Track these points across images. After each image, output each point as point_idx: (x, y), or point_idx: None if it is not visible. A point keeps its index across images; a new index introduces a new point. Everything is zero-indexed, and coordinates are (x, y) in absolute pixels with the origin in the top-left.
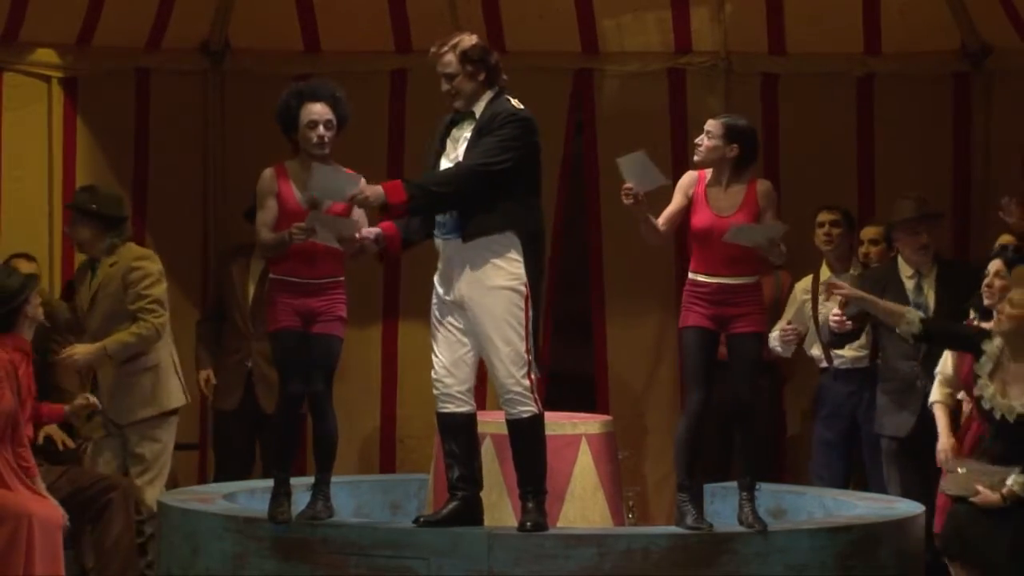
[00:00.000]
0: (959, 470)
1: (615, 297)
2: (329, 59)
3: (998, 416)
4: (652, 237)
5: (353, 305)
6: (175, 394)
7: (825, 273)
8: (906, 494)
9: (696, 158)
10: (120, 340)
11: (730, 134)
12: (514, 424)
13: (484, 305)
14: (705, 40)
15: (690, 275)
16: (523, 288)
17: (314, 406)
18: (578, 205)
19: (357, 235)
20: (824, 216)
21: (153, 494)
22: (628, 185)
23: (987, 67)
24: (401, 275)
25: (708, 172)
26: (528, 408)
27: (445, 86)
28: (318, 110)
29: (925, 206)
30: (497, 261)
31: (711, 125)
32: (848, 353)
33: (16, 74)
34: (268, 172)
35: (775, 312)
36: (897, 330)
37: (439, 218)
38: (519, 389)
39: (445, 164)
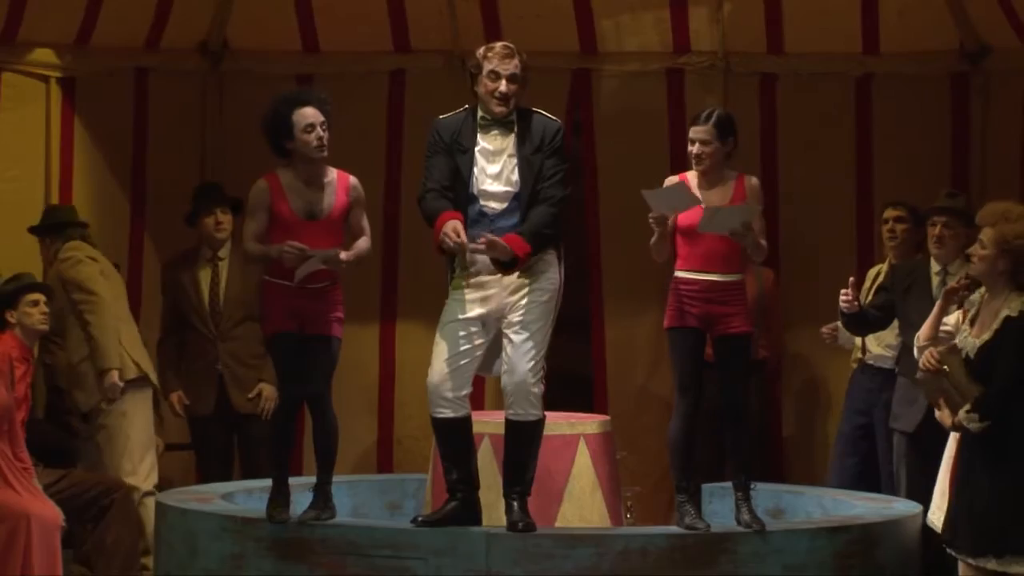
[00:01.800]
0: (943, 367)
1: (613, 297)
2: (328, 59)
3: (963, 356)
4: (664, 252)
5: (351, 305)
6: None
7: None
8: (911, 493)
9: (701, 167)
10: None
11: (723, 131)
12: (519, 425)
13: (531, 312)
14: (703, 40)
15: (677, 274)
16: (555, 292)
17: (314, 407)
18: (576, 205)
19: (342, 255)
20: (889, 212)
21: (125, 468)
22: (662, 214)
23: (985, 67)
24: (399, 275)
25: (691, 173)
26: (536, 412)
27: (505, 87)
28: (311, 113)
29: (949, 200)
30: (544, 273)
31: (702, 133)
32: (875, 349)
33: (14, 74)
34: (261, 183)
35: (758, 310)
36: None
37: (483, 233)
38: (536, 391)
39: (486, 179)
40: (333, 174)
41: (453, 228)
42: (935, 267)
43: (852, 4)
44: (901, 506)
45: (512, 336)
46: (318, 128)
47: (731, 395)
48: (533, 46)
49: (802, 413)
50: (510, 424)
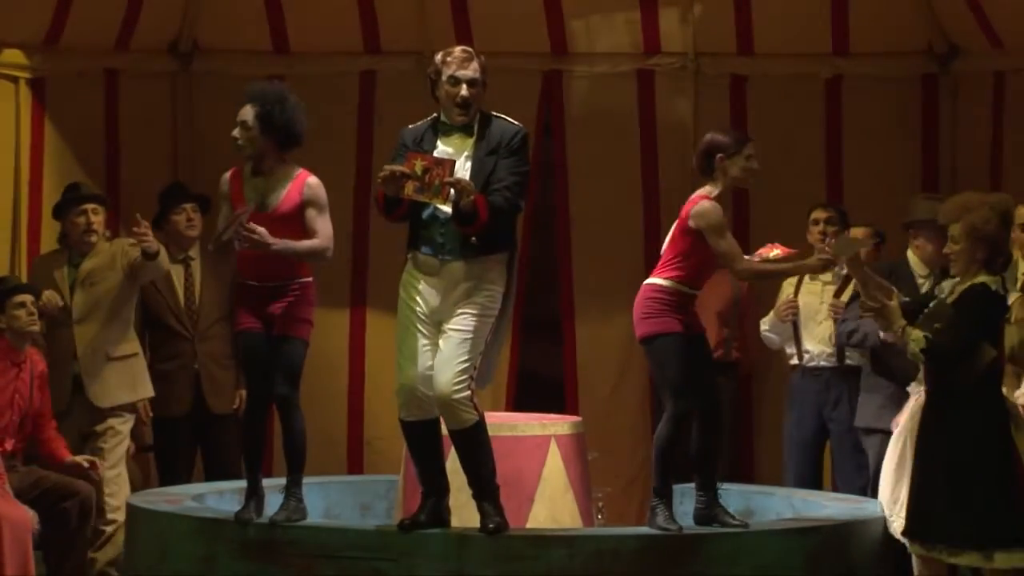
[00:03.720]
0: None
1: (585, 298)
2: (298, 60)
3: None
4: None
5: (320, 306)
6: (147, 385)
7: None
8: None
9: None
10: None
11: None
12: (460, 433)
13: (466, 321)
14: (674, 41)
15: (669, 284)
16: (498, 309)
17: (279, 409)
18: (547, 206)
19: (253, 226)
20: (819, 214)
21: (116, 487)
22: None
23: (954, 69)
24: (368, 276)
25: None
26: (471, 415)
27: (466, 92)
28: (241, 112)
29: (928, 211)
30: (487, 282)
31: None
32: (816, 347)
33: None
34: (225, 175)
35: (734, 311)
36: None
37: (433, 236)
38: (459, 397)
39: None
40: (295, 171)
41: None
42: (921, 270)
43: (822, 5)
44: (872, 506)
45: (442, 344)
46: (237, 128)
47: (710, 395)
48: (503, 47)
49: (773, 415)
50: (453, 435)
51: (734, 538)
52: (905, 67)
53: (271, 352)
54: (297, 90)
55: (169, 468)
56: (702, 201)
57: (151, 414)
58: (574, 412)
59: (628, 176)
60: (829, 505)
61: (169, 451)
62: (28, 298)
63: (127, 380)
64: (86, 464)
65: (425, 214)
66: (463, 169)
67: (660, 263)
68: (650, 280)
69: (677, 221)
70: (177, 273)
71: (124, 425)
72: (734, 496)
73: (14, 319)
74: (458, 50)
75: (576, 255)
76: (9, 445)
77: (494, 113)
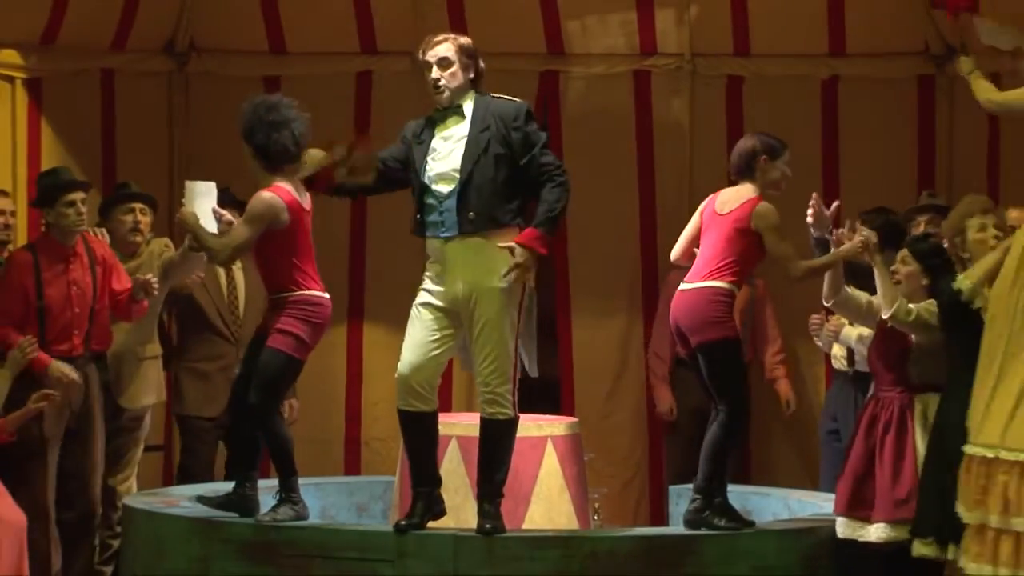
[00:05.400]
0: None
1: (581, 299)
2: (294, 61)
3: None
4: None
5: None
6: (163, 387)
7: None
8: None
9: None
10: None
11: None
12: (488, 424)
13: (486, 301)
14: (670, 42)
15: (729, 286)
16: (520, 287)
17: (252, 418)
18: None
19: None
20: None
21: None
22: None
23: (951, 70)
24: (366, 277)
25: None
26: (505, 411)
27: (436, 73)
28: None
29: (930, 199)
30: (497, 261)
31: None
32: (838, 350)
33: None
34: None
35: (749, 318)
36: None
37: (434, 217)
38: (501, 390)
39: (434, 164)
40: (267, 185)
41: None
42: None
43: (819, 6)
44: None
45: (477, 336)
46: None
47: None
48: (499, 48)
49: (771, 416)
50: (481, 424)
51: (730, 539)
52: (902, 68)
53: (254, 361)
54: (293, 91)
55: (190, 468)
56: (760, 203)
57: None
58: (570, 413)
59: (624, 177)
60: (826, 506)
61: (194, 450)
62: (79, 196)
63: (153, 382)
64: (143, 279)
65: (427, 199)
66: (459, 150)
67: (713, 266)
68: (710, 283)
69: (726, 222)
70: (221, 276)
71: (140, 434)
72: (731, 497)
73: (62, 216)
74: (431, 36)
75: (572, 255)
76: (78, 340)
77: (493, 95)
